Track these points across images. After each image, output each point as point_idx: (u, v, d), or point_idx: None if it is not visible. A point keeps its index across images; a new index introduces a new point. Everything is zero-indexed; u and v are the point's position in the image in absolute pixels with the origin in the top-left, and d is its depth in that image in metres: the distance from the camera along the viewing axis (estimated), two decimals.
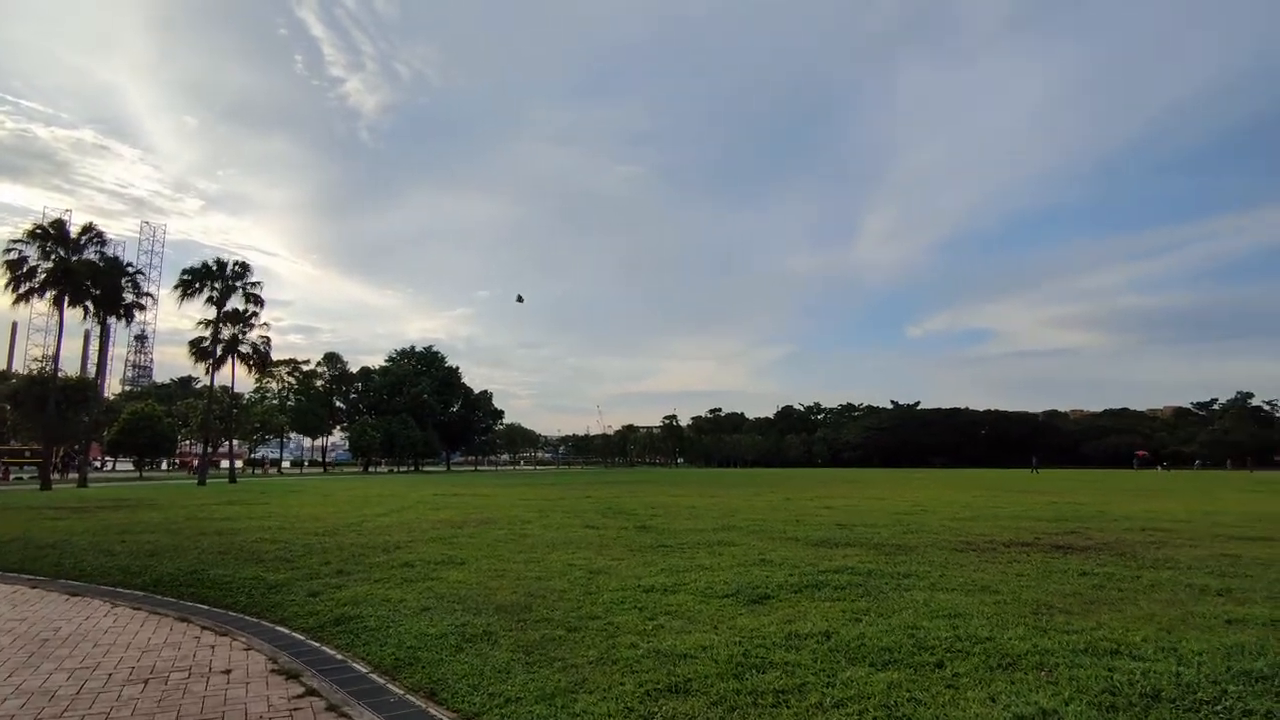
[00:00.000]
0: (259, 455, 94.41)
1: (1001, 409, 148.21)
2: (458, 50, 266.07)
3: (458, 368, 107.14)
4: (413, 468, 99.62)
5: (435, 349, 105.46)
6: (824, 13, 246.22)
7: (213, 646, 5.76)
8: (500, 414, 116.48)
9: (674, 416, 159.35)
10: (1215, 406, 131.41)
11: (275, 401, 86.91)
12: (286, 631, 6.18)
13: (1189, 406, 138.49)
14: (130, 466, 69.30)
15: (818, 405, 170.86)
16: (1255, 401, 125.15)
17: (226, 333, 44.74)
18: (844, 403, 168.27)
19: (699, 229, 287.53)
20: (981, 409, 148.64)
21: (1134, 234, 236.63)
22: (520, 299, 47.07)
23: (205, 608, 7.28)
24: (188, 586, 8.13)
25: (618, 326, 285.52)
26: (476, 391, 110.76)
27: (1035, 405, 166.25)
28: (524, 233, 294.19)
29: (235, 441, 75.16)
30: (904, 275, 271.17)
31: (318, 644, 5.74)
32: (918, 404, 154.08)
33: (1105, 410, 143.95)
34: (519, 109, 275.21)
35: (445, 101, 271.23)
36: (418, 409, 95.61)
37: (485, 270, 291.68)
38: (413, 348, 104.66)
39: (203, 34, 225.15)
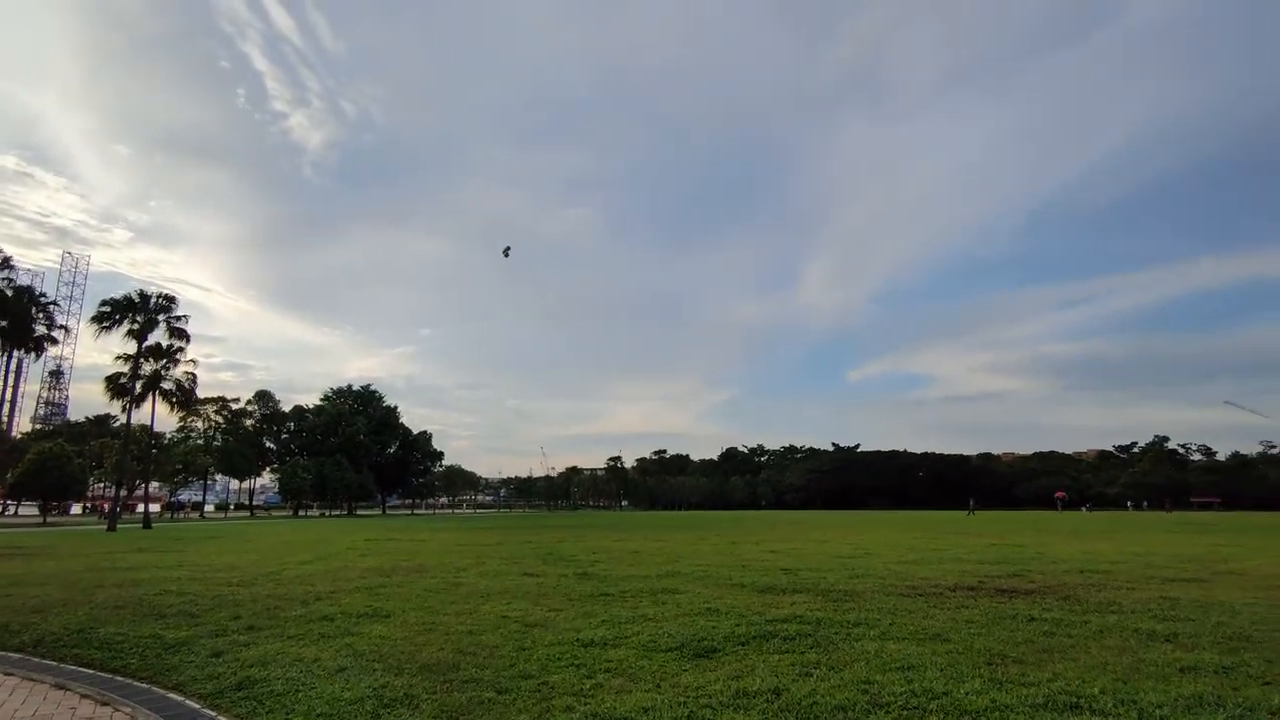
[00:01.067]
0: (180, 498, 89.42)
1: (938, 452, 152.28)
2: (405, 90, 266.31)
3: (396, 407, 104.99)
4: (346, 511, 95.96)
5: (373, 388, 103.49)
6: (768, 68, 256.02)
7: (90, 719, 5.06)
8: (439, 455, 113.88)
9: (619, 458, 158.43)
10: (1135, 450, 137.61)
11: (200, 441, 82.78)
12: (180, 699, 5.51)
13: (1111, 450, 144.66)
14: (35, 511, 64.54)
15: (761, 447, 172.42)
16: (1171, 445, 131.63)
17: (148, 368, 42.49)
18: (787, 445, 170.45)
19: (645, 273, 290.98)
20: (919, 452, 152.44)
21: (1055, 285, 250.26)
22: (507, 252, 44.76)
23: (90, 672, 6.48)
24: (73, 647, 7.28)
25: (562, 368, 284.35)
26: (415, 432, 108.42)
27: (969, 448, 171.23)
28: (468, 273, 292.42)
29: (154, 484, 71.04)
30: (844, 322, 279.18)
31: (214, 713, 5.11)
32: (858, 447, 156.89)
33: (1035, 453, 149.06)
34: (465, 150, 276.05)
35: (391, 140, 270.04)
36: (353, 450, 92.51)
37: (427, 309, 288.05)
38: (350, 386, 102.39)
39: (139, 62, 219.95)
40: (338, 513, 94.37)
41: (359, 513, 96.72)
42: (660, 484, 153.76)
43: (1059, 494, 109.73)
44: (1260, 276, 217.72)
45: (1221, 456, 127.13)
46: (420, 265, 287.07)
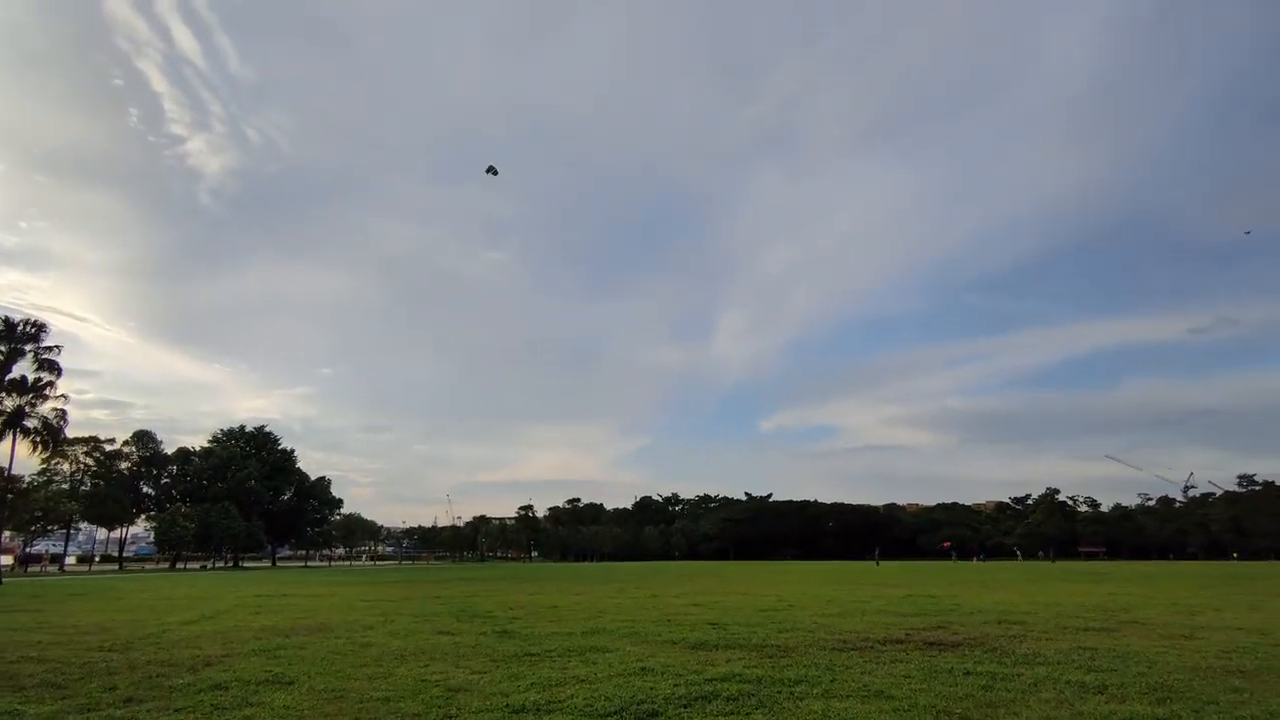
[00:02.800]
0: (37, 550, 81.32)
1: (847, 502, 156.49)
2: (315, 120, 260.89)
3: (292, 451, 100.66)
4: (231, 564, 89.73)
5: (268, 429, 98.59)
6: (688, 118, 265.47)
7: None
8: (338, 503, 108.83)
9: (530, 507, 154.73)
10: (1029, 501, 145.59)
11: (65, 485, 75.83)
12: None
13: (1008, 501, 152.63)
14: None
15: (675, 496, 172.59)
16: (1061, 497, 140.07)
17: (10, 403, 38.79)
18: (701, 494, 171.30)
19: (559, 318, 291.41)
20: (829, 502, 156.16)
21: (956, 343, 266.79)
22: (493, 170, 40.10)
23: None
24: None
25: (472, 412, 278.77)
26: (312, 478, 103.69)
27: (877, 498, 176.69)
28: (375, 311, 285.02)
29: (5, 534, 64.37)
30: (757, 371, 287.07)
31: None
32: (770, 496, 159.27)
33: (938, 504, 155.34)
34: (376, 185, 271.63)
35: (298, 170, 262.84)
36: (243, 496, 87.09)
37: (329, 347, 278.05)
38: (242, 428, 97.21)
39: (21, 75, 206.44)
40: (222, 565, 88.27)
41: (245, 565, 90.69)
42: (573, 534, 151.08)
43: (945, 544, 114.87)
44: (1131, 341, 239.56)
45: (1105, 508, 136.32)
46: (323, 301, 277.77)
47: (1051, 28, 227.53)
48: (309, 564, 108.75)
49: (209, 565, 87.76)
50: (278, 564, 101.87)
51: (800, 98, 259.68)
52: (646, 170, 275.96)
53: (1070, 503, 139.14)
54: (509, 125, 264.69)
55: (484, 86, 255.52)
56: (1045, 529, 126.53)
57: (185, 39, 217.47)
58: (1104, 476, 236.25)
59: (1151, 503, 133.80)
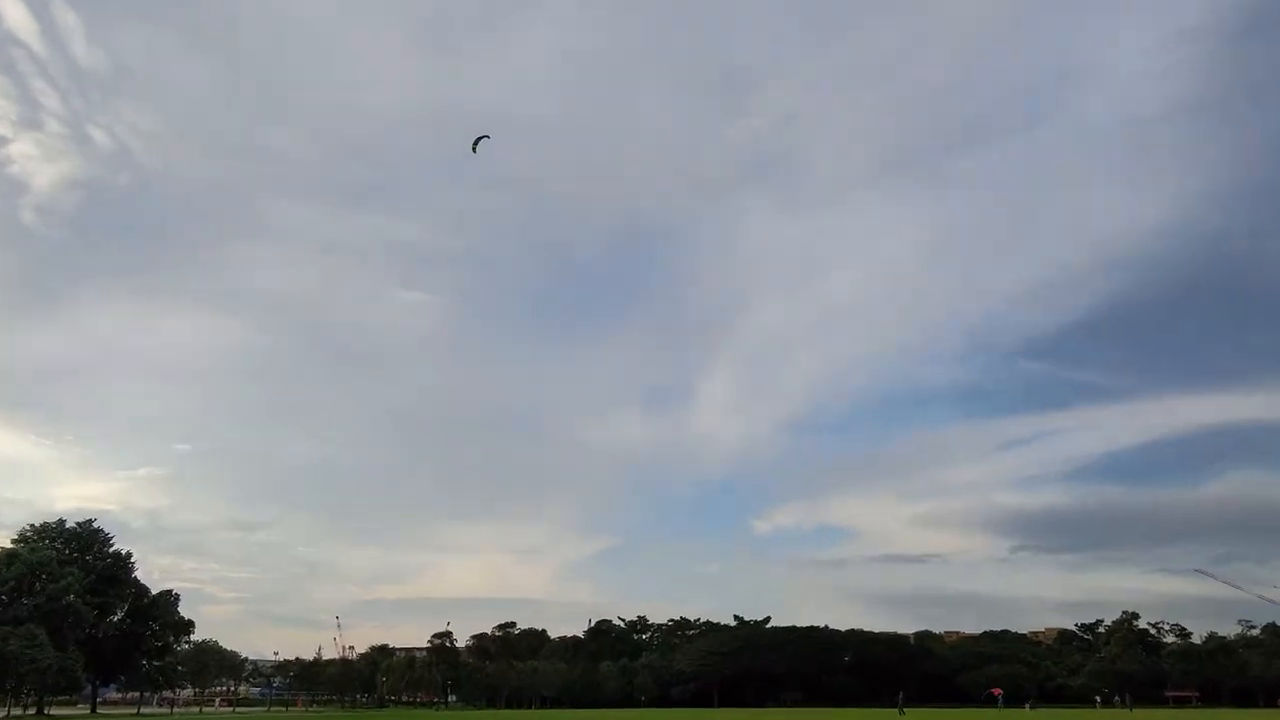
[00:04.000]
0: None
1: (867, 629, 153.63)
2: (182, 122, 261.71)
3: (129, 555, 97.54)
4: (34, 709, 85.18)
5: (98, 525, 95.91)
6: (659, 136, 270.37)
7: None
8: (188, 626, 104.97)
9: (448, 634, 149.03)
10: (1100, 629, 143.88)
11: None
12: None
13: (1073, 628, 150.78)
14: None
15: (643, 620, 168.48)
16: (1141, 624, 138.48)
17: None
18: (676, 617, 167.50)
19: (494, 380, 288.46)
20: (844, 628, 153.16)
21: (1000, 422, 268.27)
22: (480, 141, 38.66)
23: None
24: None
25: (374, 505, 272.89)
26: (154, 591, 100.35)
27: (905, 624, 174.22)
28: (251, 368, 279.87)
29: None
30: (749, 456, 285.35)
31: None
32: (767, 620, 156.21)
33: (985, 633, 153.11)
34: (259, 206, 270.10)
35: (157, 184, 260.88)
36: (56, 616, 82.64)
37: (189, 415, 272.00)
38: (61, 523, 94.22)
39: None
40: (21, 711, 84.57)
41: (55, 712, 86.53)
42: (504, 671, 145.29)
43: (995, 690, 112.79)
44: (1225, 423, 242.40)
45: (1198, 639, 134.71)
46: (183, 355, 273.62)
47: (1111, 38, 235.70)
48: (143, 709, 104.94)
49: (4, 712, 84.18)
50: (100, 709, 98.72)
51: (802, 115, 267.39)
52: (610, 197, 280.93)
53: (1153, 631, 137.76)
54: (433, 138, 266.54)
55: (402, 91, 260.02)
56: (1121, 665, 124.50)
57: (16, 13, 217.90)
58: (1194, 596, 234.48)
59: (1255, 631, 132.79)
